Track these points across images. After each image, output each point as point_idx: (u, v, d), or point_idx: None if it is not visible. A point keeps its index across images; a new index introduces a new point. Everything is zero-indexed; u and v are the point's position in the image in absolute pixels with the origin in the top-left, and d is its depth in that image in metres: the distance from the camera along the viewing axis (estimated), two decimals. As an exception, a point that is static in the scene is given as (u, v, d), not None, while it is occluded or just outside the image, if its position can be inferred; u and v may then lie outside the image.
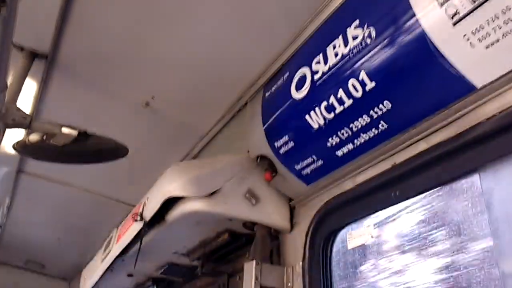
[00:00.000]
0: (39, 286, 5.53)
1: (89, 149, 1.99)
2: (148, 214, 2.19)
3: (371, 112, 1.48)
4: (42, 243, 4.75)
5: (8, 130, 2.31)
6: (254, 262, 1.97)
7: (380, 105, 1.45)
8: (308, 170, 1.88)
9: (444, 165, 1.41)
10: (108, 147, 2.08)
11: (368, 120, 1.52)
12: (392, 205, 1.61)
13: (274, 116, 1.92)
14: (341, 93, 1.53)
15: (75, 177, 3.50)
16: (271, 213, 2.09)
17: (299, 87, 1.74)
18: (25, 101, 2.41)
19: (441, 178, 1.43)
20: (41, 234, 4.52)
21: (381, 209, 1.66)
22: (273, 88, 2.00)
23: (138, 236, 2.40)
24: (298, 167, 1.90)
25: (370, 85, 1.43)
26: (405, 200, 1.56)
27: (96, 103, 2.53)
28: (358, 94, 1.47)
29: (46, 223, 4.24)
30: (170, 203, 2.06)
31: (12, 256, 5.25)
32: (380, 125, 1.51)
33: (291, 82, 1.81)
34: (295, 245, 2.02)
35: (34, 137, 1.91)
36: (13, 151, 3.00)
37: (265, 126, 1.99)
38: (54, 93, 2.44)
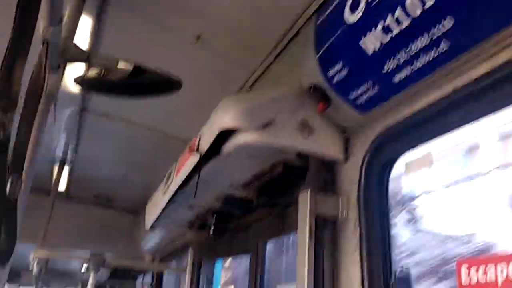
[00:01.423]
0: (108, 219, 5.93)
1: (144, 83, 2.03)
2: (204, 146, 2.24)
3: (431, 31, 1.39)
4: (109, 179, 5.03)
5: (67, 68, 2.40)
6: (308, 192, 1.98)
7: (441, 23, 1.35)
8: (363, 98, 1.82)
9: (508, 88, 1.32)
10: (163, 81, 2.11)
11: (428, 41, 1.43)
12: (452, 130, 1.54)
13: (327, 43, 1.85)
14: (398, 12, 1.44)
15: (135, 114, 3.62)
16: (325, 144, 2.07)
17: (353, 9, 1.66)
18: (82, 38, 2.47)
19: (504, 102, 1.35)
20: (107, 170, 4.78)
21: (440, 136, 1.59)
22: (326, 14, 1.91)
23: (196, 169, 2.48)
24: (352, 95, 1.85)
25: (430, 1, 1.33)
26: (466, 125, 1.49)
27: (149, 38, 2.55)
28: (417, 12, 1.38)
29: (111, 159, 4.47)
30: (225, 135, 2.08)
31: (82, 192, 5.62)
32: (440, 46, 1.41)
33: (344, 5, 1.72)
34: (350, 175, 2.01)
35: (92, 72, 1.96)
36: (75, 90, 3.15)
37: (318, 54, 1.93)
38: (109, 28, 2.48)
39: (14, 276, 8.66)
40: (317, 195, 1.99)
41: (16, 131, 1.53)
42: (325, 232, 2.01)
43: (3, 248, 1.70)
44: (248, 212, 2.99)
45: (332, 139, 2.08)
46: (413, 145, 1.75)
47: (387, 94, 1.74)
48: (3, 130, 1.15)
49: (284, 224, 2.54)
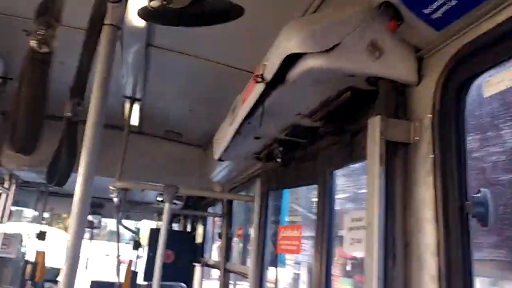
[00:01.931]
0: (178, 153, 6.17)
1: (206, 10, 2.00)
2: (269, 74, 2.20)
3: None
4: (177, 114, 5.18)
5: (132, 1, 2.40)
6: (379, 117, 1.92)
7: None
8: (439, 13, 1.68)
9: None
10: (224, 8, 2.07)
11: None
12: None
13: (399, -47, 1.70)
14: None
15: (199, 48, 3.62)
16: (396, 66, 1.96)
17: None
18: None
19: None
20: (175, 106, 4.91)
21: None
22: None
23: (261, 98, 2.46)
24: (427, 10, 1.70)
25: None
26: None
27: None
28: None
29: (178, 94, 4.57)
30: (290, 62, 2.03)
31: (153, 127, 5.85)
32: None
33: None
34: (423, 98, 1.91)
35: (154, 2, 1.95)
36: (141, 25, 3.18)
37: (388, -33, 1.78)
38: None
39: (97, 207, 9.41)
40: (388, 120, 1.92)
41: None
42: (397, 158, 1.95)
43: (64, 169, 1.79)
44: (314, 141, 2.97)
45: (404, 60, 1.97)
46: (493, 64, 1.61)
47: (466, 7, 1.59)
48: (46, 45, 1.18)
49: (353, 151, 2.49)
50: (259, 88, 2.37)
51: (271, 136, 3.22)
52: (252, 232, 4.17)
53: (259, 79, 2.31)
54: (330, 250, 2.73)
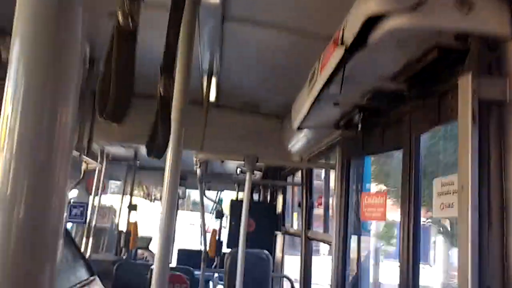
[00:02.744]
0: (256, 124, 6.24)
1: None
2: (348, 38, 2.14)
3: None
4: (254, 86, 5.22)
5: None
6: (470, 74, 1.81)
7: None
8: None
9: None
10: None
11: None
12: None
13: None
14: None
15: (274, 17, 3.59)
16: (488, 20, 1.83)
17: None
18: None
19: None
20: (251, 77, 4.94)
21: None
22: None
23: (340, 64, 2.41)
24: (525, -45, 1.56)
25: None
26: None
27: None
28: None
29: (254, 66, 4.59)
30: (371, 23, 1.95)
31: (230, 100, 5.95)
32: None
33: None
34: (520, 53, 1.77)
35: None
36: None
37: None
38: None
39: (181, 179, 9.84)
40: (480, 78, 1.80)
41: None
42: (490, 118, 1.84)
43: (161, 143, 1.88)
44: (398, 105, 2.87)
45: (497, 13, 1.83)
46: None
47: None
48: (132, 20, 1.21)
49: (441, 114, 2.38)
50: (338, 53, 2.32)
51: (351, 103, 3.15)
52: (334, 200, 4.16)
53: (338, 44, 2.26)
54: (418, 217, 2.66)
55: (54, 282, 0.47)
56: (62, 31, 0.62)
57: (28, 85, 0.54)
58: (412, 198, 2.69)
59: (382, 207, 3.16)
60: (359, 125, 3.31)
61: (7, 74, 0.57)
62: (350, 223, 3.90)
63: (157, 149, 1.87)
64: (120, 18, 1.20)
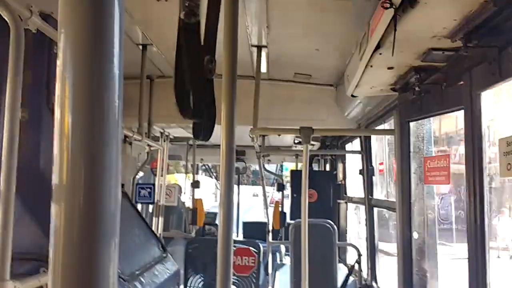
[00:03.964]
0: (309, 94, 6.17)
1: None
2: (397, -2, 2.07)
3: None
4: (304, 55, 5.14)
5: None
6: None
7: None
8: None
9: None
10: None
11: None
12: None
13: None
14: None
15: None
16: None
17: None
18: None
19: None
20: (301, 47, 4.86)
21: None
22: None
23: (391, 25, 2.33)
24: None
25: None
26: None
27: None
28: None
29: (303, 35, 4.51)
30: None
31: (282, 72, 5.90)
32: None
33: None
34: None
35: None
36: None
37: None
38: None
39: (239, 155, 9.98)
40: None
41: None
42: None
43: (207, 125, 1.92)
44: (456, 63, 2.74)
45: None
46: None
47: None
48: (193, 16, 1.29)
49: (502, 68, 2.25)
50: (388, 14, 2.24)
51: (406, 64, 3.04)
52: (395, 165, 4.08)
53: (387, 5, 2.18)
54: (482, 176, 2.55)
55: (115, 262, 0.51)
56: (104, 17, 0.63)
57: (74, 72, 0.56)
58: (477, 157, 2.59)
59: (446, 171, 3.06)
60: (416, 87, 3.20)
61: (57, 62, 0.59)
62: (413, 188, 3.82)
63: (204, 131, 1.91)
64: (182, 13, 1.29)
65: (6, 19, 2.32)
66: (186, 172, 10.40)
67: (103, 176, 0.51)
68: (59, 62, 0.58)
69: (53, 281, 0.48)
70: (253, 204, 22.23)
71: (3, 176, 2.32)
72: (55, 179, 0.50)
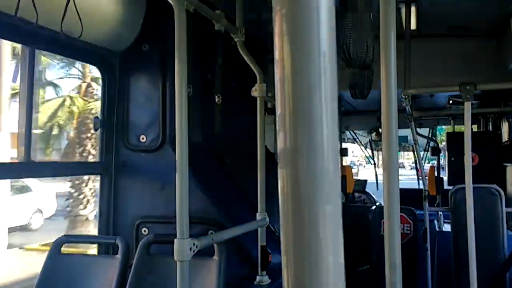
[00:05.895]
0: (466, 48, 5.63)
1: None
2: None
3: None
4: (460, 5, 4.69)
5: None
6: None
7: None
8: None
9: None
10: None
11: None
12: None
13: None
14: None
15: None
16: None
17: None
18: None
19: None
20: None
21: None
22: None
23: None
24: None
25: None
26: None
27: None
28: None
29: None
30: None
31: (434, 27, 5.47)
32: None
33: None
34: None
35: None
36: None
37: None
38: None
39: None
40: None
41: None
42: None
43: (363, 84, 1.86)
44: None
45: None
46: None
47: None
48: None
49: None
50: None
51: None
52: None
53: None
54: None
55: (339, 220, 0.53)
56: None
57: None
58: None
59: None
60: None
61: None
62: None
63: (360, 90, 1.91)
64: None
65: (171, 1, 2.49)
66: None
67: (323, 141, 0.53)
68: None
69: (285, 231, 0.53)
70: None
71: (178, 150, 2.55)
72: (280, 145, 0.53)
